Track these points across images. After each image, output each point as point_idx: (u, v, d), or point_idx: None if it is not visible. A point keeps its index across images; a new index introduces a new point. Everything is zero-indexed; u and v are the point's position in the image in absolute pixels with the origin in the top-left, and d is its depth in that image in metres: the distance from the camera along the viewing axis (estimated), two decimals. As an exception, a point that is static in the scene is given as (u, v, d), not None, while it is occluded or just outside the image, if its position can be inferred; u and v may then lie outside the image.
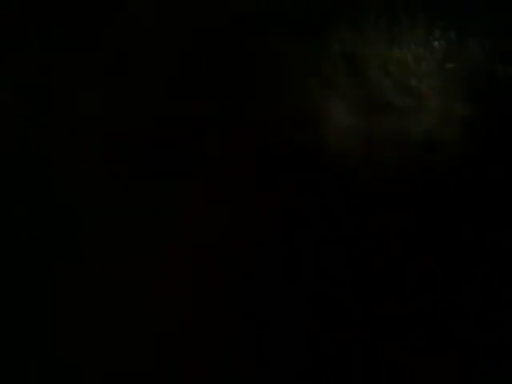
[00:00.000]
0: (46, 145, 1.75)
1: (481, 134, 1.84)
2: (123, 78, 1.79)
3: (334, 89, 1.89)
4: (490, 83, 1.86)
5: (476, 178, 1.82)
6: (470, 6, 1.91)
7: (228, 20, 1.81)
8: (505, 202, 1.81)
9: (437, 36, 1.91)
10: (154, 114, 1.79)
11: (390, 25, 1.89)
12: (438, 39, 1.90)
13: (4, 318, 1.67)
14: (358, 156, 1.85)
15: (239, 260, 1.77)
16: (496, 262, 1.78)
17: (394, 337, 1.75)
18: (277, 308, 1.76)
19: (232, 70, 1.83)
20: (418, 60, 1.89)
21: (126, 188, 1.75)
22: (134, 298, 1.72)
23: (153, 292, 1.73)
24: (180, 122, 1.80)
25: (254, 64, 1.83)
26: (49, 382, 1.65)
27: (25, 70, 1.76)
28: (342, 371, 1.74)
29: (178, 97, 1.80)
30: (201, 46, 1.81)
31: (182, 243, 1.75)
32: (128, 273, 1.73)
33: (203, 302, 1.74)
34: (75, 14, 1.78)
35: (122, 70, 1.80)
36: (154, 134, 1.78)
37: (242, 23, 1.82)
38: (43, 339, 1.67)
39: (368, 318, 1.76)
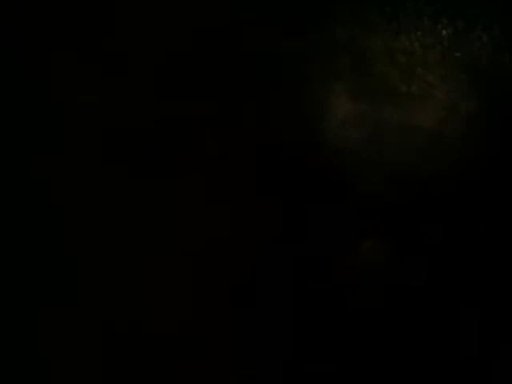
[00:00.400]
0: (46, 144, 1.75)
1: (488, 125, 1.83)
2: (123, 77, 1.79)
3: (335, 89, 1.88)
4: (498, 73, 1.85)
5: (483, 172, 1.82)
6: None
7: (228, 20, 1.81)
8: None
9: (443, 25, 1.88)
10: (154, 114, 1.79)
11: (395, 21, 1.87)
12: (444, 28, 1.88)
13: (3, 318, 1.66)
14: (361, 156, 1.85)
15: (240, 260, 1.77)
16: (500, 260, 1.78)
17: (394, 337, 1.75)
18: (277, 309, 1.76)
19: (232, 70, 1.82)
20: (424, 55, 1.87)
21: (126, 188, 1.75)
22: (134, 298, 1.72)
23: (152, 292, 1.73)
24: (180, 122, 1.79)
25: (254, 64, 1.83)
26: (50, 380, 1.65)
27: (25, 69, 1.76)
28: (343, 371, 1.74)
29: (178, 97, 1.80)
30: (201, 46, 1.80)
31: (181, 243, 1.75)
32: (127, 273, 1.73)
33: (203, 302, 1.74)
34: (75, 14, 1.77)
35: (121, 69, 1.80)
36: (154, 134, 1.78)
37: (242, 23, 1.82)
38: (43, 340, 1.67)
39: (368, 318, 1.76)
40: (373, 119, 1.86)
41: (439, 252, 1.78)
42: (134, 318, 1.71)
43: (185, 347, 1.72)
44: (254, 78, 1.84)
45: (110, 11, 1.79)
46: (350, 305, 1.77)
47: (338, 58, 1.86)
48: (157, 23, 1.81)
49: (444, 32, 1.86)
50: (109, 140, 1.75)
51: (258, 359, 1.74)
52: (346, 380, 1.74)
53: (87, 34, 1.77)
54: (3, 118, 1.71)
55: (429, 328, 1.76)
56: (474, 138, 1.83)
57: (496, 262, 1.77)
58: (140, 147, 1.77)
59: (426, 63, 1.85)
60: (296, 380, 1.74)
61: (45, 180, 1.72)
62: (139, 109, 1.77)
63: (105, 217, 1.73)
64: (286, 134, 1.82)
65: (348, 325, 1.76)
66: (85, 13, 1.76)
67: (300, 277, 1.78)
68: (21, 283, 1.67)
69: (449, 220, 1.80)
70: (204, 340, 1.73)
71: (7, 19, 1.71)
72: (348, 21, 1.85)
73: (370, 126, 1.86)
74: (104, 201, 1.73)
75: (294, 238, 1.80)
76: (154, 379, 1.70)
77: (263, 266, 1.77)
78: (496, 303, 1.75)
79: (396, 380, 1.74)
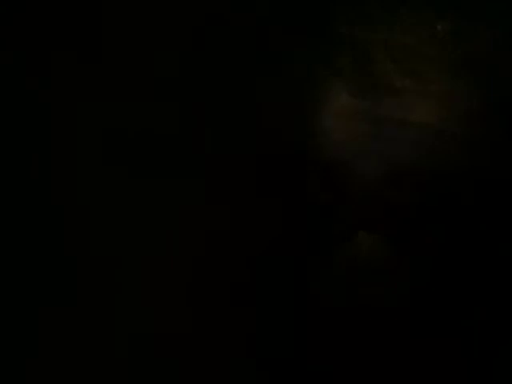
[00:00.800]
0: (47, 145, 1.75)
1: (489, 122, 1.82)
2: (123, 77, 1.79)
3: (334, 86, 1.88)
4: (498, 69, 1.84)
5: (485, 170, 1.81)
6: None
7: (227, 20, 1.80)
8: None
9: (444, 22, 1.87)
10: (154, 115, 1.79)
11: (395, 18, 1.86)
12: (445, 25, 1.87)
13: (4, 317, 1.67)
14: (360, 156, 1.84)
15: (239, 259, 1.77)
16: (501, 260, 1.77)
17: (394, 336, 1.75)
18: (277, 308, 1.76)
19: (232, 70, 1.82)
20: (424, 52, 1.86)
21: (126, 188, 1.75)
22: (134, 297, 1.72)
23: (152, 292, 1.73)
24: (180, 122, 1.79)
25: (254, 64, 1.83)
26: (50, 378, 1.66)
27: (25, 69, 1.76)
28: (342, 371, 1.74)
29: (178, 97, 1.80)
30: (201, 46, 1.80)
31: (181, 243, 1.75)
32: (128, 272, 1.73)
33: (203, 302, 1.74)
34: (75, 14, 1.77)
35: (122, 69, 1.80)
36: (154, 134, 1.78)
37: (243, 23, 1.81)
38: (45, 341, 1.67)
39: (369, 317, 1.76)
40: (372, 117, 1.86)
41: (440, 252, 1.78)
42: (134, 317, 1.71)
43: (185, 346, 1.72)
44: (254, 77, 1.84)
45: (110, 12, 1.79)
46: (351, 304, 1.77)
47: (338, 55, 1.86)
48: (157, 24, 1.81)
49: (444, 29, 1.86)
50: (109, 140, 1.75)
51: (258, 358, 1.74)
52: (346, 379, 1.74)
53: (87, 34, 1.77)
54: (3, 117, 1.71)
55: (429, 327, 1.76)
56: (475, 135, 1.83)
57: (497, 261, 1.76)
58: (139, 147, 1.77)
59: (426, 60, 1.85)
60: (296, 380, 1.74)
61: (45, 180, 1.72)
62: (139, 109, 1.78)
63: (105, 216, 1.74)
64: (285, 133, 1.82)
65: (348, 324, 1.76)
66: (85, 14, 1.76)
67: (300, 276, 1.78)
68: (21, 283, 1.68)
69: (450, 220, 1.79)
70: (204, 339, 1.73)
71: (7, 19, 1.71)
72: (348, 18, 1.85)
73: (370, 123, 1.86)
74: (104, 200, 1.73)
75: (294, 237, 1.80)
76: (155, 378, 1.70)
77: (263, 266, 1.77)
78: (497, 303, 1.75)
79: (396, 379, 1.73)
